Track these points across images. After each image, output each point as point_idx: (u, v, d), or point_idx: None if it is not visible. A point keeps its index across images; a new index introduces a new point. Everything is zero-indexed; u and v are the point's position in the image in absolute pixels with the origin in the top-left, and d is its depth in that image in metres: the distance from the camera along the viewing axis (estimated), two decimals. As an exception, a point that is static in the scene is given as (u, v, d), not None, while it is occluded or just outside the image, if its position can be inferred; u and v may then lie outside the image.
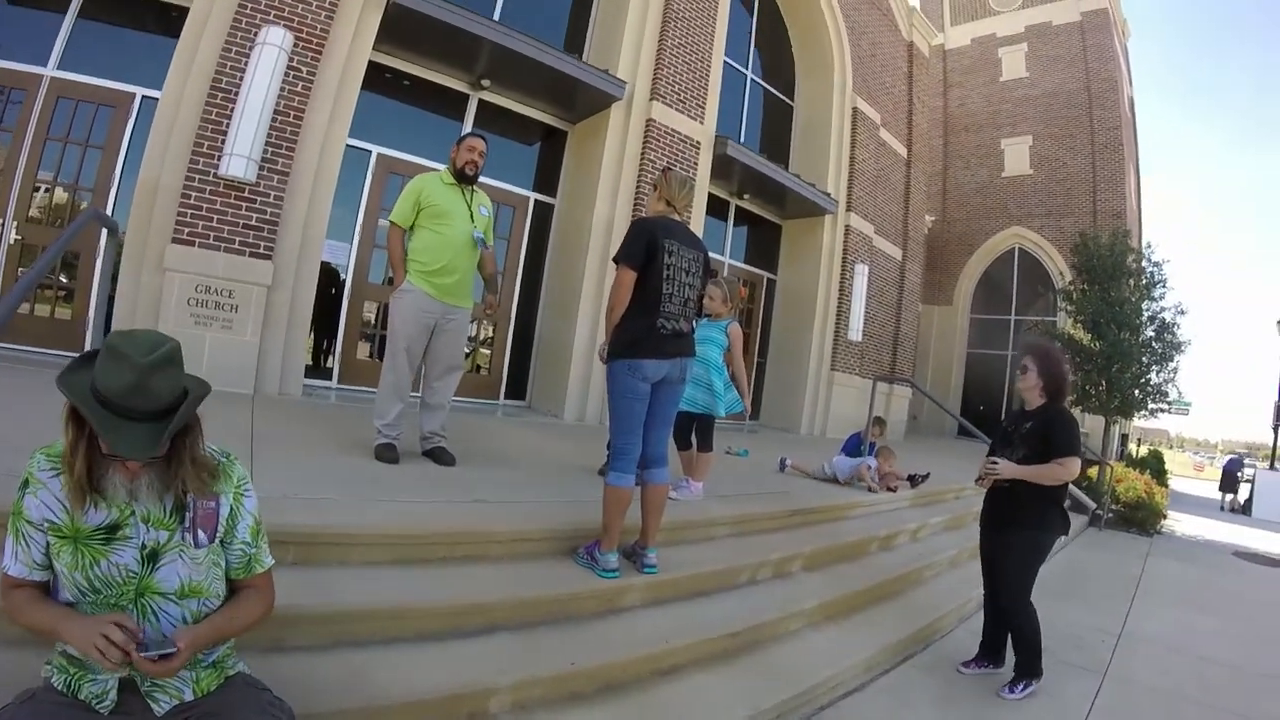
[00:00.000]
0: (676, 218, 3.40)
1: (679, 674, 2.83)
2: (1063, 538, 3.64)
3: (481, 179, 4.39)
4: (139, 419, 1.39)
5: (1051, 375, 3.48)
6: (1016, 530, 3.44)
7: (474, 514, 3.29)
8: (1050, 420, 3.40)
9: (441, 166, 4.49)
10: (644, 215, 3.47)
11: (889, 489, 6.11)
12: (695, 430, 4.68)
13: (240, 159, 5.86)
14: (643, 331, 3.17)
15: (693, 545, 3.83)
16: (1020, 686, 3.36)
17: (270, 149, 6.10)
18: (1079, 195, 18.12)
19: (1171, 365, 13.36)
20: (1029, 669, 3.40)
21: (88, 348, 1.61)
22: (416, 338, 4.11)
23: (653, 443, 3.29)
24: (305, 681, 2.04)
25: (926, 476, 6.71)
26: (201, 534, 1.57)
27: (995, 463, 3.43)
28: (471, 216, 4.21)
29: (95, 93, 6.55)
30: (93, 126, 6.57)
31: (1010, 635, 3.51)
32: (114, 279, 5.97)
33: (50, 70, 6.48)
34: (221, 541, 1.62)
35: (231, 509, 1.64)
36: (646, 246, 3.16)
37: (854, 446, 6.70)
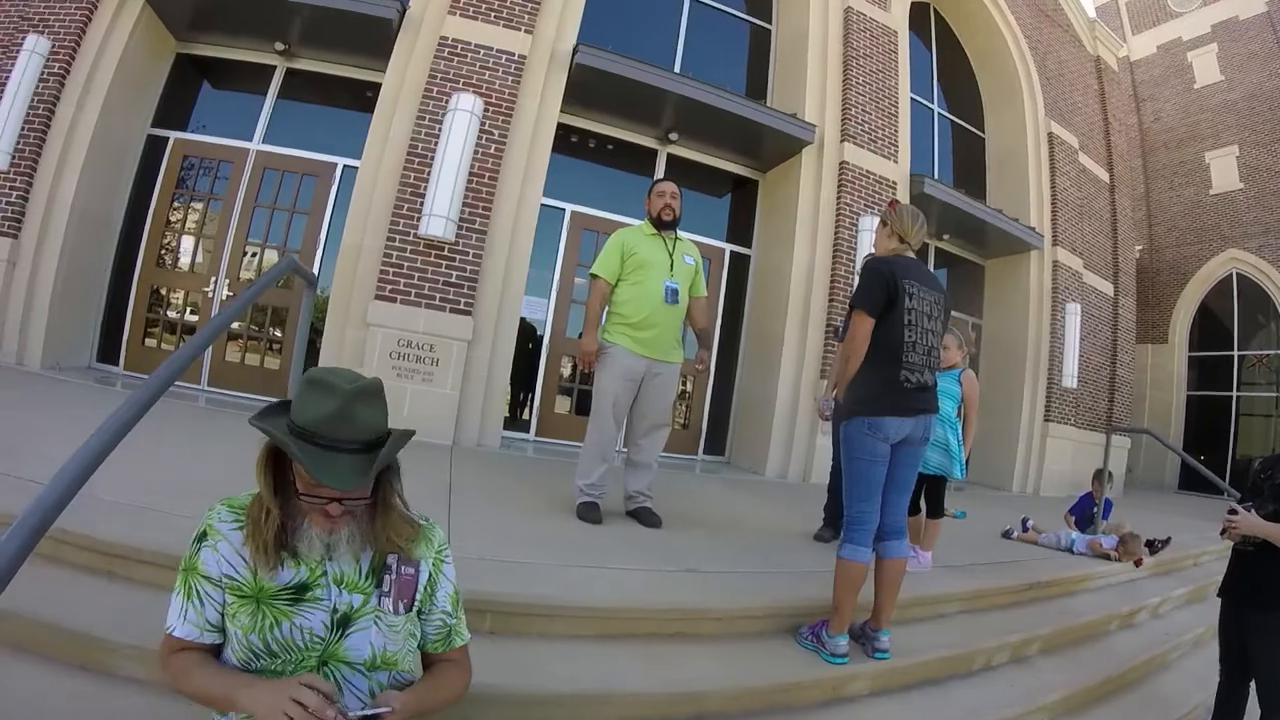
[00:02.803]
0: (911, 255, 2.99)
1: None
2: None
3: (685, 234, 4.21)
4: (344, 449, 1.31)
5: None
6: (1262, 612, 2.75)
7: (686, 586, 3.06)
8: None
9: (635, 221, 4.35)
10: (875, 254, 3.06)
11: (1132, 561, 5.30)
12: (924, 494, 4.19)
13: (439, 219, 6.08)
14: (883, 385, 2.82)
15: (921, 624, 3.49)
16: None
17: (467, 209, 6.32)
18: (1297, 207, 15.91)
19: None
20: None
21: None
22: (623, 395, 3.92)
23: (890, 512, 2.91)
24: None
25: (1167, 542, 5.79)
26: (399, 602, 1.44)
27: (1235, 512, 2.77)
28: (672, 265, 3.98)
29: (298, 163, 7.17)
30: (298, 194, 7.18)
31: None
32: (315, 331, 6.42)
33: (255, 144, 7.10)
34: (419, 612, 1.50)
35: (431, 576, 1.52)
36: (886, 290, 2.78)
37: (1086, 509, 5.99)
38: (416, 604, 1.48)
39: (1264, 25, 17.08)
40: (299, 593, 1.35)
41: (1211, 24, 18.07)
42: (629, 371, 3.91)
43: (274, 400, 1.44)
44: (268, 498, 1.34)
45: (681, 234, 4.21)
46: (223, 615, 1.35)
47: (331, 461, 1.29)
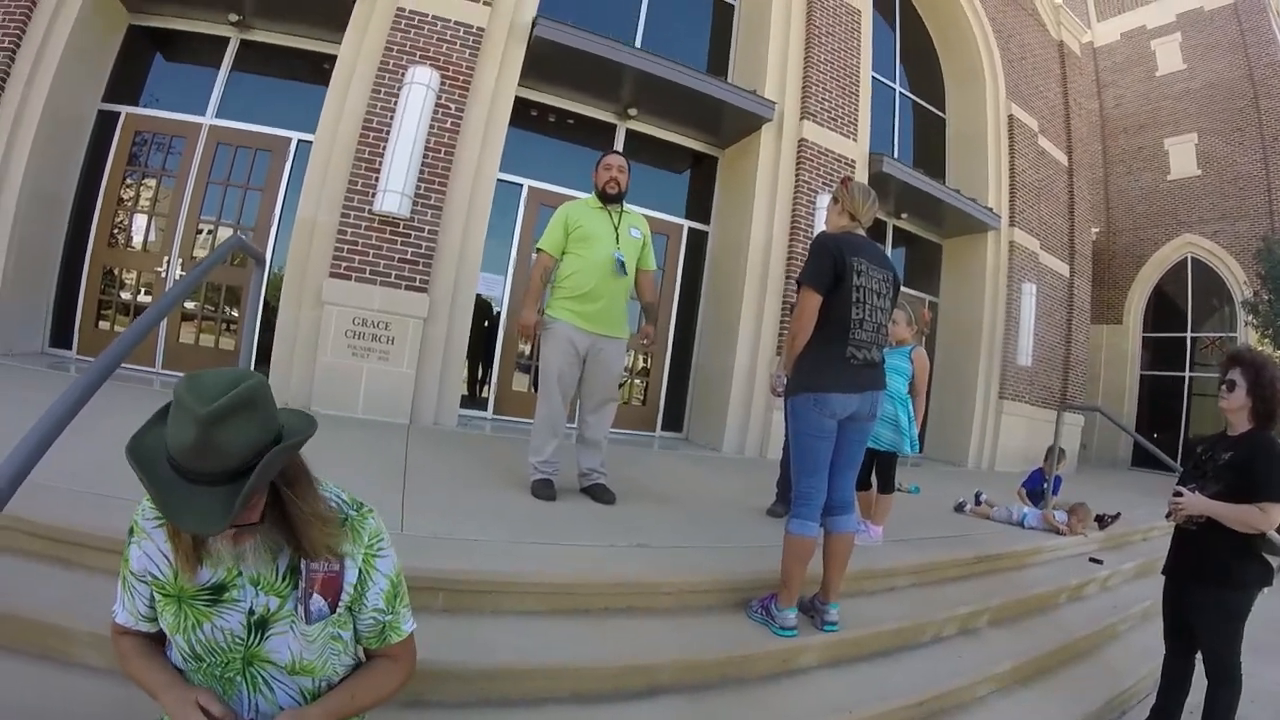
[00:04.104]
0: (861, 233, 3.00)
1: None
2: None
3: (633, 208, 4.19)
4: (205, 482, 1.14)
5: (1265, 394, 2.78)
6: (1205, 588, 2.81)
7: (638, 561, 3.09)
8: (1255, 451, 2.73)
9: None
10: (825, 231, 3.06)
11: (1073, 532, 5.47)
12: (875, 469, 4.29)
13: (394, 195, 6.02)
14: (830, 362, 2.83)
15: (872, 597, 3.54)
16: None
17: (423, 185, 6.25)
18: (1253, 195, 16.17)
19: None
20: None
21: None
22: (567, 370, 3.94)
23: (838, 487, 2.95)
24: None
25: (1117, 517, 6.00)
26: (320, 602, 1.34)
27: (1181, 495, 2.82)
28: (618, 238, 3.98)
29: (252, 138, 7.00)
30: (252, 170, 7.01)
31: (1205, 707, 2.81)
32: (271, 310, 6.36)
33: (209, 119, 6.93)
34: (349, 608, 1.40)
35: (361, 573, 1.39)
36: (834, 266, 2.79)
37: (1037, 484, 6.13)
38: (344, 602, 1.38)
39: (1229, 16, 17.31)
40: (216, 593, 1.30)
41: (1177, 13, 18.31)
42: (572, 346, 3.92)
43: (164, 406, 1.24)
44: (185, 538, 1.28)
45: (630, 207, 4.21)
46: (153, 608, 1.34)
47: (186, 501, 1.13)
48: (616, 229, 4.02)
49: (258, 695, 1.34)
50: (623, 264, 3.96)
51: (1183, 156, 17.67)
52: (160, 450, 1.17)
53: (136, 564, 1.32)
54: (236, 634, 1.31)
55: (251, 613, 1.31)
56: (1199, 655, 2.95)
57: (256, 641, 1.32)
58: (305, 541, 1.31)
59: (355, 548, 1.39)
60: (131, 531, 1.34)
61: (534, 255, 4.09)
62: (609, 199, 4.07)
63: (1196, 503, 2.79)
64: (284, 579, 1.34)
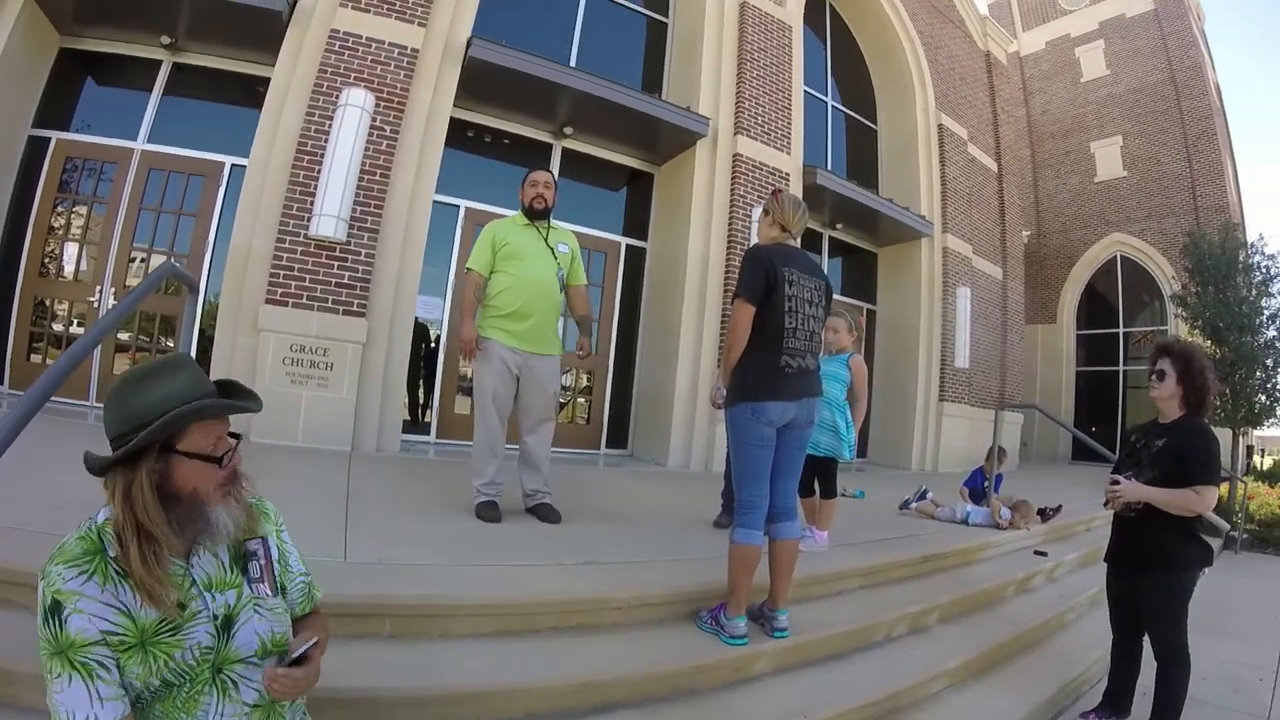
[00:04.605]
0: (792, 243, 3.09)
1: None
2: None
3: (572, 227, 4.26)
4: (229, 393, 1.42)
5: (1195, 382, 2.89)
6: (1148, 572, 2.92)
7: (586, 578, 3.06)
8: (1188, 437, 2.85)
9: None
10: (757, 243, 3.14)
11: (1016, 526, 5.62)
12: (816, 475, 4.35)
13: (330, 219, 5.97)
14: (765, 371, 2.88)
15: (821, 601, 3.56)
16: None
17: (359, 208, 6.21)
18: (1177, 194, 16.95)
19: None
20: None
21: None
22: (502, 389, 3.94)
23: (780, 494, 2.97)
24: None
25: (1058, 510, 6.19)
26: (270, 584, 1.44)
27: (1117, 482, 2.91)
28: (553, 254, 4.01)
29: (185, 163, 6.89)
30: (185, 195, 6.89)
31: (1157, 688, 2.90)
32: (207, 339, 6.25)
33: (140, 144, 6.81)
34: (281, 586, 1.49)
35: (280, 549, 1.53)
36: (766, 278, 2.86)
37: (978, 484, 6.26)
38: (279, 580, 1.48)
39: (1151, 23, 18.08)
40: (177, 615, 1.27)
41: (1100, 20, 19.07)
42: (505, 365, 3.92)
43: (122, 434, 1.29)
44: (158, 517, 1.26)
45: (558, 223, 4.23)
46: (122, 675, 1.22)
47: (234, 404, 1.37)
48: (547, 244, 4.04)
49: (224, 700, 1.31)
50: (562, 279, 4.01)
51: (1109, 159, 18.42)
52: (186, 395, 1.31)
53: (86, 633, 1.17)
54: (205, 645, 1.30)
55: (215, 617, 1.33)
56: (1146, 638, 3.02)
57: (224, 643, 1.33)
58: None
59: (270, 526, 1.53)
60: (56, 607, 1.18)
61: (465, 275, 4.09)
62: (536, 215, 4.05)
63: (1133, 489, 2.86)
64: (232, 571, 1.39)
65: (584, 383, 8.53)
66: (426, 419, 7.56)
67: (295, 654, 1.34)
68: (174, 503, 1.29)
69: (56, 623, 1.17)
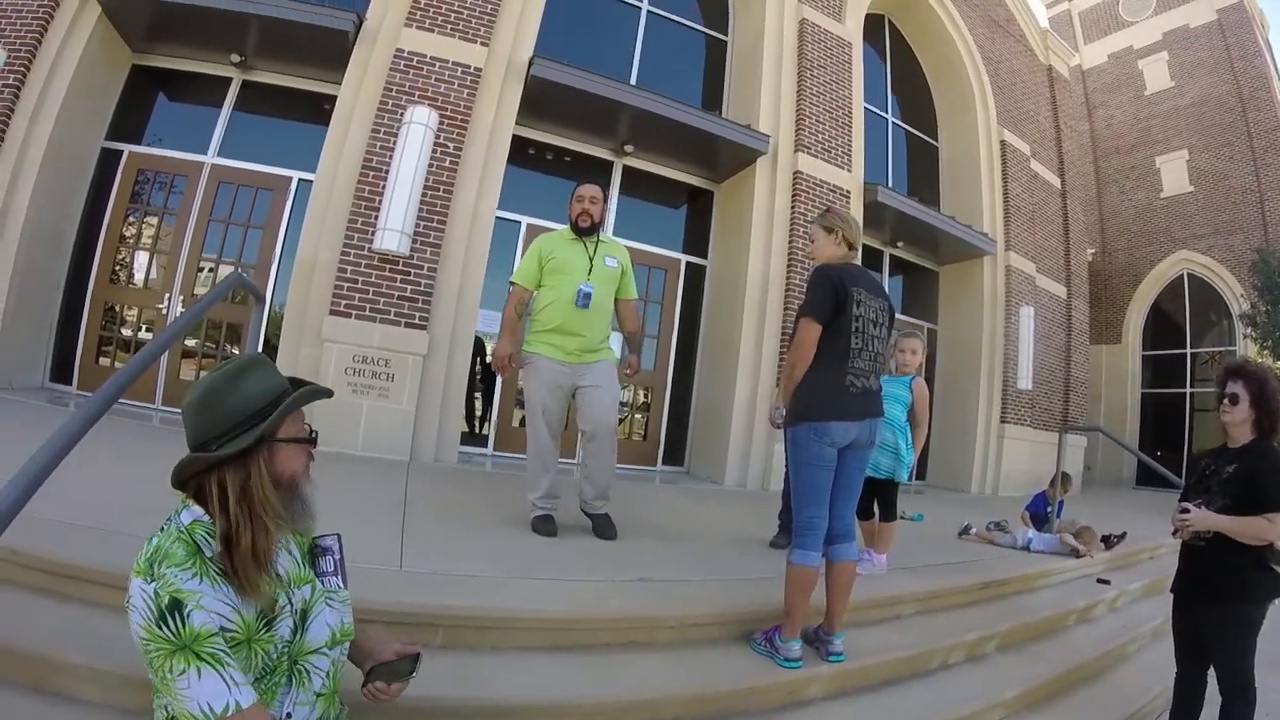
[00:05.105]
0: (858, 262, 3.06)
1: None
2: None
3: (632, 244, 4.17)
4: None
5: (1269, 405, 2.74)
6: (1217, 603, 2.76)
7: (639, 595, 3.05)
8: (1260, 463, 2.70)
9: None
10: (826, 262, 3.08)
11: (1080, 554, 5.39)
12: (876, 498, 4.24)
13: (393, 233, 6.07)
14: (829, 391, 2.84)
15: (877, 626, 3.50)
16: None
17: (422, 223, 6.31)
18: (1245, 208, 16.29)
19: None
20: None
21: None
22: (552, 404, 3.89)
23: (839, 515, 2.93)
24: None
25: (1123, 536, 5.93)
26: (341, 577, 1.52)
27: (1187, 510, 2.77)
28: (591, 269, 3.92)
29: (254, 177, 7.10)
30: (253, 208, 7.09)
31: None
32: (271, 348, 6.41)
33: (210, 158, 7.02)
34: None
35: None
36: (835, 297, 2.83)
37: (1040, 508, 6.09)
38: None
39: (1214, 33, 17.54)
40: (269, 612, 1.35)
41: (1163, 32, 18.55)
42: (554, 379, 3.88)
43: (222, 432, 1.34)
44: (278, 504, 1.33)
45: (610, 237, 4.18)
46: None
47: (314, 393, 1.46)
48: (591, 259, 3.96)
49: (299, 690, 1.37)
50: (587, 296, 3.86)
51: (1174, 173, 17.84)
52: (278, 388, 1.42)
53: (209, 624, 1.19)
54: (286, 639, 1.36)
55: (296, 611, 1.40)
56: (1211, 671, 2.89)
57: (300, 636, 1.39)
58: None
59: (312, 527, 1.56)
60: (176, 605, 1.17)
61: (509, 288, 4.04)
62: (581, 231, 4.01)
63: (1203, 518, 2.75)
64: (304, 565, 1.47)
65: (641, 399, 8.52)
66: (484, 431, 7.63)
67: (411, 665, 1.50)
68: (279, 489, 1.36)
69: (178, 619, 1.17)
